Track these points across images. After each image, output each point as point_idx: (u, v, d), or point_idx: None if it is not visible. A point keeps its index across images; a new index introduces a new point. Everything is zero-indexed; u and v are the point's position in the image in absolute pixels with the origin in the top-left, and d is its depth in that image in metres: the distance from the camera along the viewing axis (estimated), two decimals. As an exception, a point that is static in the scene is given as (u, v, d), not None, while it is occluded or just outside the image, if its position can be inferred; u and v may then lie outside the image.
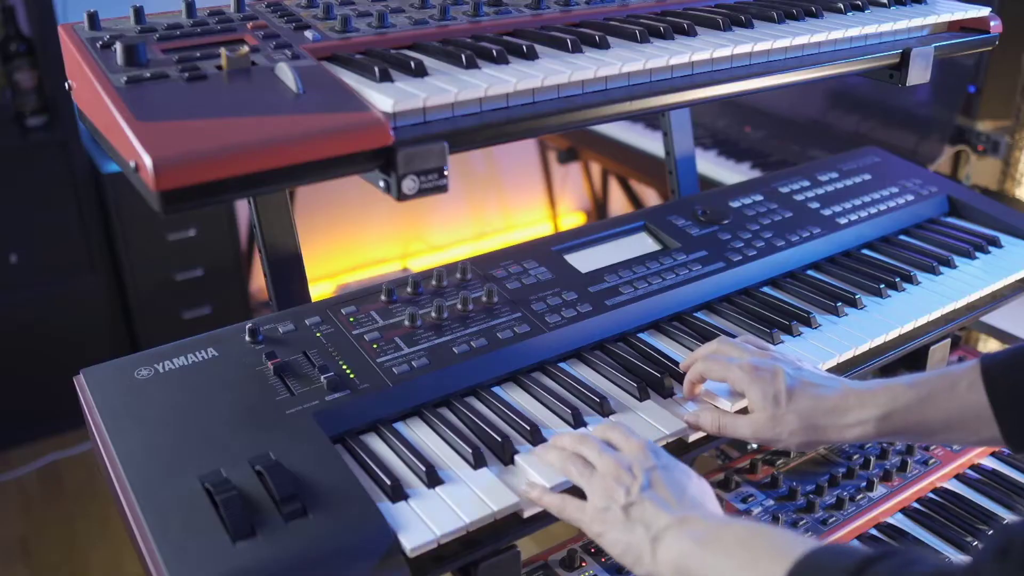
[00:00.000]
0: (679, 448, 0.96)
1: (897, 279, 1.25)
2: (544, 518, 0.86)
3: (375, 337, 1.02)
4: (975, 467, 1.29)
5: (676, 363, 1.04)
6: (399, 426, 0.95)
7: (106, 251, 2.75)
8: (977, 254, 1.35)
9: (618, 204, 3.74)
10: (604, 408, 0.97)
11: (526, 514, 0.84)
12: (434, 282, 1.12)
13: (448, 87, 0.80)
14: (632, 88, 0.92)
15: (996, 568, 0.55)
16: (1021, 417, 0.88)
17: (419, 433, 0.94)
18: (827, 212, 1.39)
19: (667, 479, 0.82)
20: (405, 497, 0.83)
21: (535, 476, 0.86)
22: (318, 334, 1.01)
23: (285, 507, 0.77)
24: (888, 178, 1.53)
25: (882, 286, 1.23)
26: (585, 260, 1.20)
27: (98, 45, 0.86)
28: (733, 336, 1.08)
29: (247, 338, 0.99)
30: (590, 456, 0.85)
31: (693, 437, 0.97)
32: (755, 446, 1.33)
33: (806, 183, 1.47)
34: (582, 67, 0.88)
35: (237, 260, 2.90)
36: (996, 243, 1.39)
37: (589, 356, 1.07)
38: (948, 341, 1.24)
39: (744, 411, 0.97)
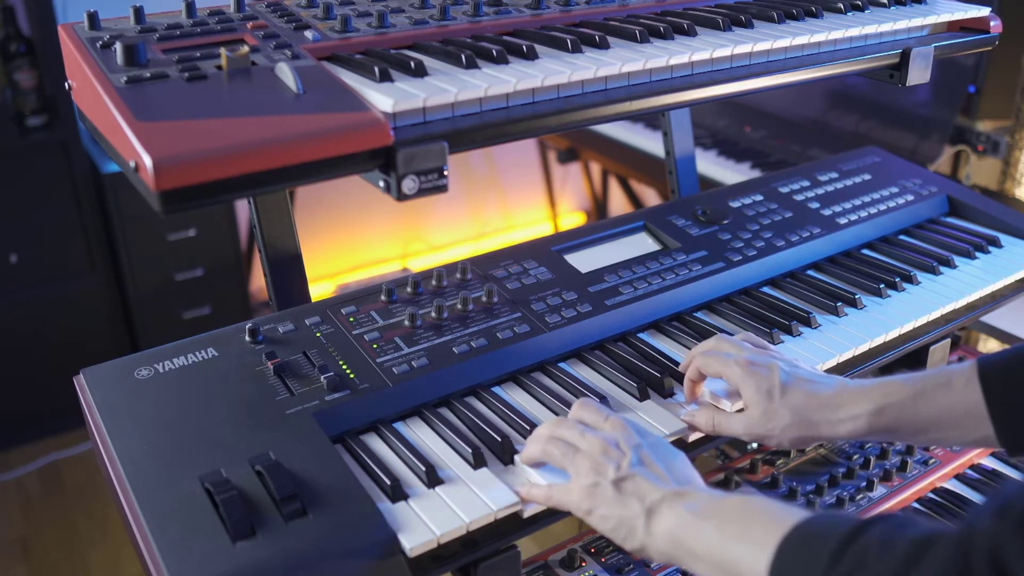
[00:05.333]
0: (679, 448, 0.96)
1: (897, 279, 1.25)
2: (544, 518, 0.86)
3: (375, 337, 1.02)
4: (975, 467, 1.29)
5: (676, 363, 1.04)
6: (399, 426, 0.95)
7: (106, 251, 2.75)
8: (977, 254, 1.35)
9: (618, 204, 3.74)
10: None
11: (526, 514, 0.84)
12: (434, 282, 1.12)
13: (448, 87, 0.80)
14: (632, 88, 0.92)
15: (993, 525, 0.55)
16: (1015, 417, 0.87)
17: (419, 433, 0.94)
18: (827, 212, 1.39)
19: (656, 456, 0.83)
20: (405, 497, 0.83)
21: (534, 476, 0.86)
22: (318, 334, 1.01)
23: (285, 507, 0.77)
24: (888, 178, 1.53)
25: (882, 286, 1.23)
26: (585, 260, 1.20)
27: (98, 45, 0.86)
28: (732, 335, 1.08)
29: (247, 338, 0.99)
30: (571, 437, 0.85)
31: (693, 437, 0.97)
32: (755, 446, 1.33)
33: (806, 183, 1.47)
34: (582, 67, 0.88)
35: (237, 260, 2.90)
36: (996, 243, 1.39)
37: (589, 356, 1.07)
38: (948, 341, 1.24)
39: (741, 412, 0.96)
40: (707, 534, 0.74)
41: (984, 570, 0.53)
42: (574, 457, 0.83)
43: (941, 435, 0.91)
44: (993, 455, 1.31)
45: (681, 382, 1.01)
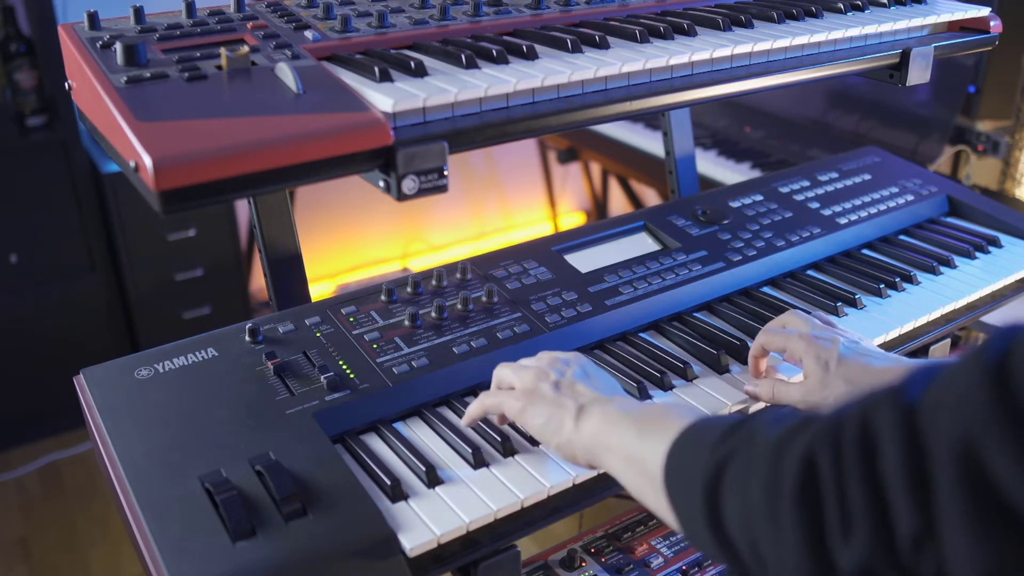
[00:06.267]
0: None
1: (897, 279, 1.25)
2: (544, 518, 0.86)
3: (375, 337, 1.02)
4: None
5: (676, 361, 1.05)
6: (399, 426, 0.95)
7: (106, 251, 2.75)
8: (977, 254, 1.35)
9: (618, 204, 3.74)
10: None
11: (526, 504, 0.84)
12: (434, 282, 1.12)
13: (448, 87, 0.80)
14: (632, 88, 0.92)
15: (869, 399, 0.56)
16: None
17: (419, 433, 0.94)
18: (827, 212, 1.39)
19: (600, 377, 0.88)
20: (405, 497, 0.83)
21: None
22: (318, 334, 1.01)
23: (285, 507, 0.77)
24: (888, 178, 1.53)
25: (882, 286, 1.23)
26: (585, 260, 1.20)
27: (98, 45, 0.86)
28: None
29: (247, 338, 0.99)
30: (526, 361, 0.91)
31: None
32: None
33: (806, 183, 1.47)
34: (582, 67, 0.88)
35: (237, 260, 2.90)
36: (996, 243, 1.39)
37: (589, 356, 1.07)
38: (948, 341, 1.24)
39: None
40: (624, 429, 0.77)
41: (852, 434, 0.54)
42: (522, 370, 0.88)
43: None
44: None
45: (680, 377, 1.02)
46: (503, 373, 0.91)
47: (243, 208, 2.87)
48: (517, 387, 0.87)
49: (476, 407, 0.90)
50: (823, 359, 0.95)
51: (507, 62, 0.88)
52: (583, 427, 0.80)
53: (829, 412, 0.59)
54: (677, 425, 0.72)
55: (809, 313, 1.13)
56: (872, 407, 0.55)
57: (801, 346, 0.97)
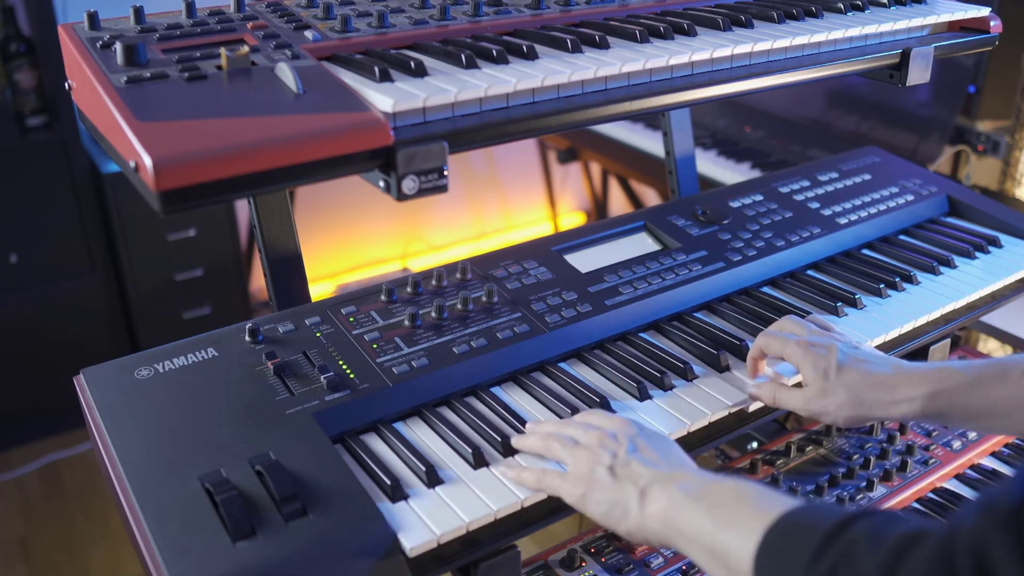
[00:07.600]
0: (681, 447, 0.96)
1: (897, 279, 1.25)
2: (544, 518, 0.86)
3: (375, 337, 1.02)
4: (975, 467, 1.29)
5: (676, 360, 1.05)
6: (399, 426, 0.95)
7: (106, 251, 2.75)
8: (977, 254, 1.35)
9: (618, 204, 3.74)
10: (604, 408, 0.97)
11: (526, 504, 0.84)
12: (434, 282, 1.12)
13: (448, 87, 0.80)
14: (632, 88, 0.92)
15: (977, 524, 0.55)
16: None
17: (419, 433, 0.94)
18: (827, 212, 1.39)
19: (652, 444, 0.85)
20: (405, 497, 0.83)
21: (511, 486, 0.86)
22: (318, 334, 1.01)
23: (285, 507, 0.77)
24: (888, 178, 1.53)
25: (882, 286, 1.23)
26: (585, 260, 1.20)
27: (98, 45, 0.86)
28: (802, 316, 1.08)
29: (247, 338, 0.99)
30: (573, 433, 0.87)
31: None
32: (755, 445, 1.33)
33: (806, 183, 1.47)
34: (582, 67, 0.88)
35: (237, 260, 2.90)
36: (996, 243, 1.39)
37: (589, 356, 1.07)
38: (948, 341, 1.24)
39: (799, 387, 0.99)
40: (697, 517, 0.75)
41: (967, 568, 0.54)
42: (574, 449, 0.85)
43: (993, 423, 0.93)
44: (993, 455, 1.31)
45: (681, 378, 1.03)
46: (553, 447, 0.87)
47: (243, 208, 2.87)
48: (571, 470, 0.84)
49: (532, 481, 0.85)
50: (821, 367, 0.95)
51: (507, 62, 0.88)
52: (648, 510, 0.78)
53: (935, 536, 0.58)
54: (756, 516, 0.70)
55: (808, 314, 1.14)
56: (983, 537, 0.54)
57: (799, 353, 0.97)
